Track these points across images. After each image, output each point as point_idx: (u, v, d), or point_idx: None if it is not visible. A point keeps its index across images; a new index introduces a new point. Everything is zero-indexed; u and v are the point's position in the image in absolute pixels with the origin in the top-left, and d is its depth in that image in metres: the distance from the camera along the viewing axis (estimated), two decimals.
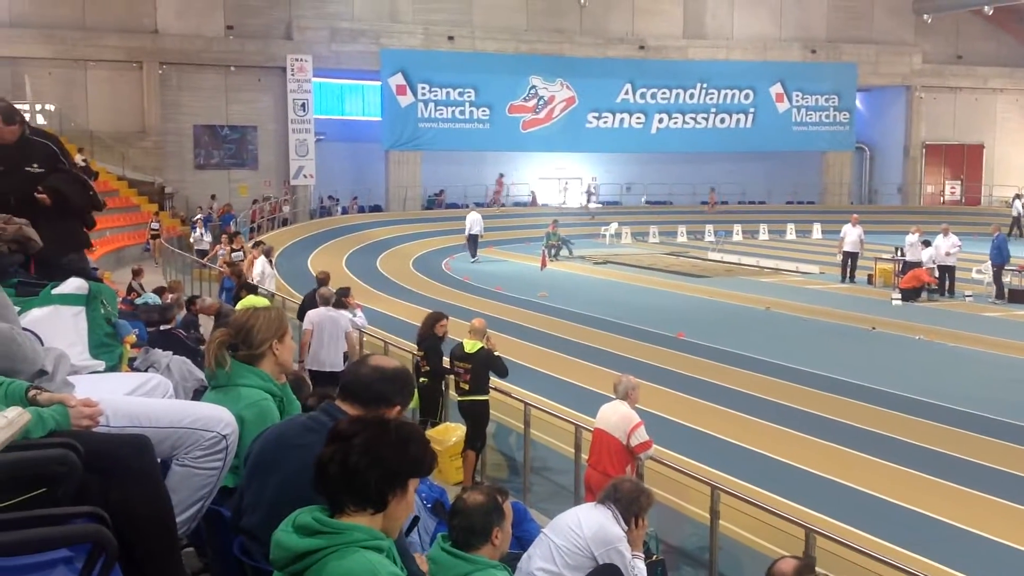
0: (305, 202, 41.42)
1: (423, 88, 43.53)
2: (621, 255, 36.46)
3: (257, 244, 22.65)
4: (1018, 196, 44.77)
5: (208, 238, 30.31)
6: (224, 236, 27.37)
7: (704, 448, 12.41)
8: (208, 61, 39.83)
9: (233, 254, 22.45)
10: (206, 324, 13.72)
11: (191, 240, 30.21)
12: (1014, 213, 42.55)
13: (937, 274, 26.36)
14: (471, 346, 11.17)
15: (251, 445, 3.60)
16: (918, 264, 26.38)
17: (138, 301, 12.74)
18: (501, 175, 46.07)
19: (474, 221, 34.37)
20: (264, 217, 36.61)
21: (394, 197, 43.44)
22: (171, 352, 5.44)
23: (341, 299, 13.87)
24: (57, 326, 4.15)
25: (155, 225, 32.17)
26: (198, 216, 33.29)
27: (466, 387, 11.11)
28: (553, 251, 34.15)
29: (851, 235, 28.77)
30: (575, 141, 46.58)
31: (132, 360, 5.33)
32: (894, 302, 25.12)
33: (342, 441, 2.81)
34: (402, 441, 2.85)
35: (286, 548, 2.73)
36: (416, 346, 11.99)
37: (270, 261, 20.09)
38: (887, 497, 10.90)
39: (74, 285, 4.35)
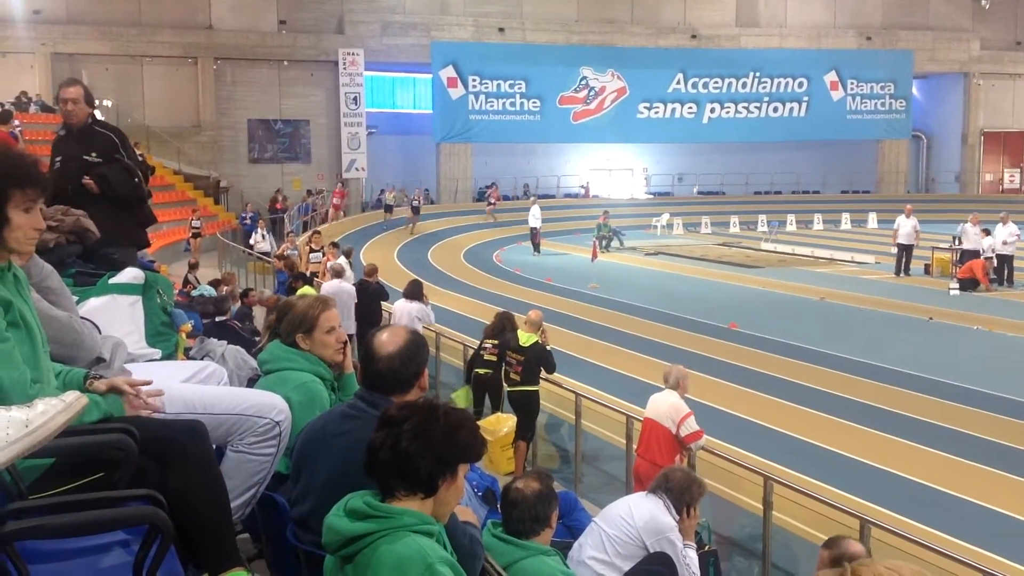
0: (357, 195, 41.69)
1: (474, 80, 43.61)
2: (672, 246, 36.28)
3: (334, 244, 22.00)
4: None
5: (270, 239, 28.53)
6: (290, 235, 26.67)
7: (757, 439, 12.32)
8: (262, 56, 40.26)
9: (312, 254, 21.21)
10: (260, 316, 13.89)
11: (251, 241, 28.68)
12: None
13: (995, 263, 25.91)
14: (526, 339, 11.17)
15: (296, 438, 3.64)
16: (976, 253, 25.93)
17: (194, 293, 12.92)
18: (341, 184, 40.18)
19: (533, 214, 34.27)
20: (316, 211, 36.86)
21: (445, 189, 43.60)
22: (226, 342, 5.52)
23: (418, 291, 14.58)
24: (114, 315, 4.22)
25: (196, 223, 29.89)
26: (247, 214, 32.89)
27: (517, 378, 11.13)
28: (604, 242, 34.04)
29: (905, 226, 27.82)
30: (626, 132, 46.41)
31: (188, 350, 5.41)
32: (951, 292, 24.72)
33: (393, 427, 2.84)
34: (452, 427, 2.87)
35: (338, 532, 2.76)
36: (489, 339, 11.95)
37: (350, 263, 18.46)
38: (944, 488, 10.75)
39: (130, 275, 4.42)
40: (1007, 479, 11.13)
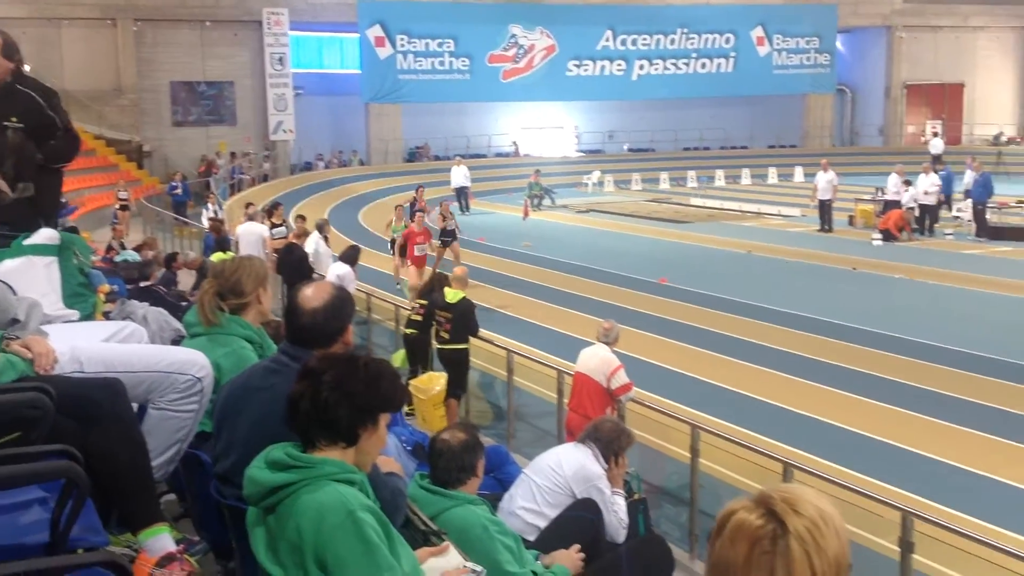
0: (285, 157, 41.14)
1: (402, 39, 43.15)
2: (604, 203, 36.47)
3: (302, 217, 20.04)
4: (935, 134, 44.81)
5: (220, 214, 24.83)
6: (249, 207, 23.74)
7: (686, 390, 12.54)
8: (183, 16, 39.39)
9: (274, 229, 19.12)
10: (184, 280, 13.73)
11: (203, 219, 24.62)
12: (933, 151, 40.08)
13: (918, 213, 26.49)
14: (453, 295, 11.22)
15: (218, 393, 3.64)
16: (898, 204, 26.46)
17: (117, 258, 12.73)
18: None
19: (459, 174, 34.12)
20: (243, 174, 36.27)
21: (375, 150, 43.23)
22: (147, 303, 5.46)
23: (355, 256, 14.58)
24: (30, 276, 4.15)
25: (123, 194, 27.95)
26: (176, 184, 31.22)
27: (446, 336, 11.18)
28: (536, 201, 34.12)
29: (820, 181, 27.50)
30: (556, 90, 46.35)
31: (108, 313, 5.34)
32: (875, 242, 25.25)
33: (313, 378, 2.85)
34: (372, 377, 2.89)
35: (259, 483, 2.77)
36: (418, 299, 12.07)
37: (325, 238, 17.30)
38: (866, 432, 11.06)
39: (45, 235, 4.35)
40: (924, 421, 11.48)
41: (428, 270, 15.88)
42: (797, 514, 1.68)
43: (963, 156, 32.09)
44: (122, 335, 3.98)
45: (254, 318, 4.24)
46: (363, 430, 2.85)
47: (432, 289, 11.90)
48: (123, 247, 17.26)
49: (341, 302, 3.55)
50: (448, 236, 21.00)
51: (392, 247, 20.21)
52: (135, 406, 3.46)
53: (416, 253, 18.00)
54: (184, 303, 10.64)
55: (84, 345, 3.52)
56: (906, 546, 6.19)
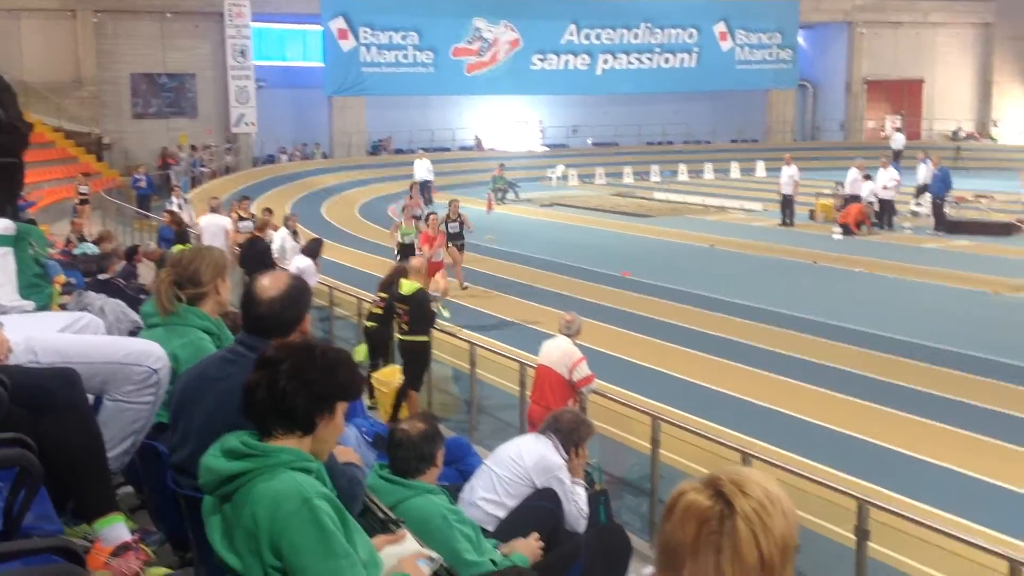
0: (247, 150, 40.83)
1: (365, 32, 42.94)
2: (568, 197, 36.53)
3: (268, 210, 19.10)
4: (898, 129, 45.38)
5: (189, 209, 23.79)
6: (213, 200, 22.99)
7: (647, 382, 12.61)
8: (143, 8, 38.96)
9: (241, 223, 18.53)
10: (145, 274, 13.62)
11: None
12: (894, 146, 40.82)
13: (877, 207, 26.76)
14: (408, 287, 11.18)
15: (175, 384, 3.62)
16: (858, 198, 26.72)
17: (76, 251, 12.61)
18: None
19: (421, 168, 34.03)
20: (203, 167, 35.94)
21: (338, 144, 43.02)
22: (104, 295, 5.42)
23: (317, 249, 14.36)
24: None
25: (83, 188, 26.80)
26: (139, 176, 30.83)
27: (406, 327, 11.17)
28: (500, 194, 34.13)
29: (783, 176, 27.82)
30: (520, 84, 46.30)
31: (65, 305, 5.29)
32: (834, 236, 25.49)
33: (270, 367, 2.85)
34: (329, 365, 2.89)
35: (214, 472, 2.77)
36: (379, 292, 12.07)
37: (294, 232, 17.09)
38: (824, 423, 11.19)
39: (1, 226, 4.30)
40: (882, 411, 11.62)
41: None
42: (744, 495, 1.71)
43: (923, 151, 32.39)
44: (78, 326, 3.95)
45: (212, 309, 4.22)
46: (320, 418, 2.86)
47: (392, 282, 11.90)
48: (82, 240, 17.07)
49: (298, 291, 3.55)
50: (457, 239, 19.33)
51: (397, 254, 18.76)
52: (91, 397, 3.44)
53: (432, 260, 16.45)
54: (143, 296, 10.56)
55: (39, 335, 3.49)
56: (862, 534, 6.28)
